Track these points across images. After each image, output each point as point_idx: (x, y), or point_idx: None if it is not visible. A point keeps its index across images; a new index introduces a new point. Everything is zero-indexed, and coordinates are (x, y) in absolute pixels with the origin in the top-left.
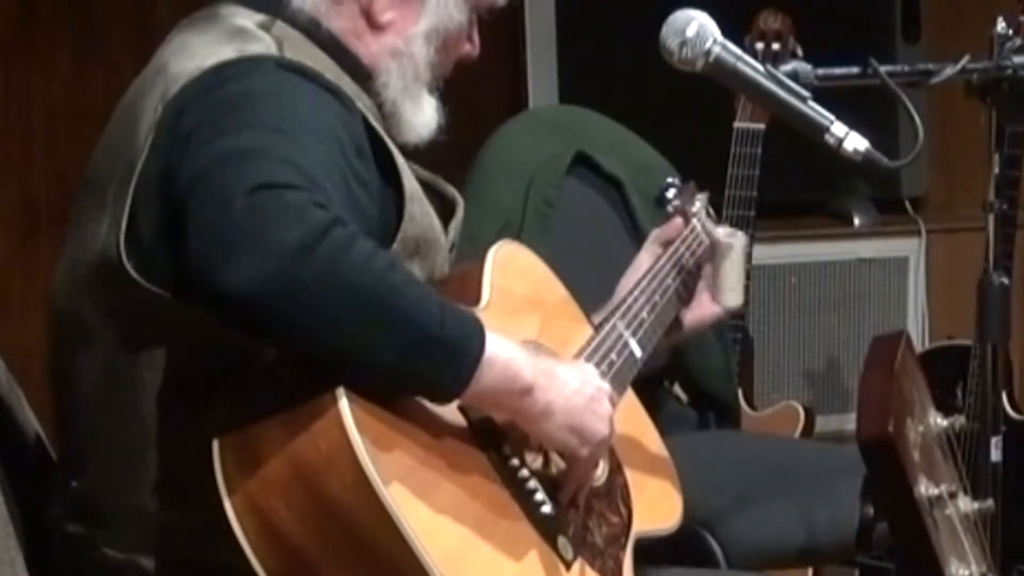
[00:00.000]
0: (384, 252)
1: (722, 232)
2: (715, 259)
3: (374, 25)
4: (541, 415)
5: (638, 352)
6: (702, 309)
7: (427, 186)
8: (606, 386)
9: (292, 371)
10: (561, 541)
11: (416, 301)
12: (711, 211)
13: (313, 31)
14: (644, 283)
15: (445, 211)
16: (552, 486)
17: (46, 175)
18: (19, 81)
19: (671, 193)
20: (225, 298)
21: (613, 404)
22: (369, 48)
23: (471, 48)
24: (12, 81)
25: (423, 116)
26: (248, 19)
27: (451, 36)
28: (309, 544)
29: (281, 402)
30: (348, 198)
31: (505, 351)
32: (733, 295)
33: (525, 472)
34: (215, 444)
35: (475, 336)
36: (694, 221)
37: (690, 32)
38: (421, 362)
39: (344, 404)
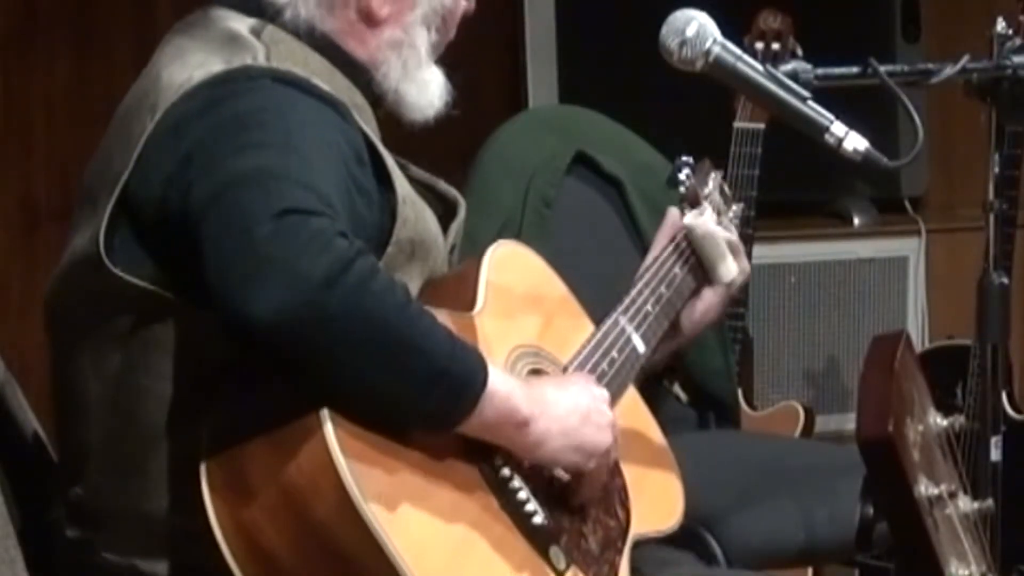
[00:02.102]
0: (400, 284)
1: (687, 218)
2: (693, 245)
3: (373, 22)
4: (536, 444)
5: (641, 347)
6: (706, 297)
7: (428, 188)
8: (602, 392)
9: (278, 391)
10: (553, 551)
11: (428, 335)
12: (726, 189)
13: (306, 34)
14: (648, 274)
15: (447, 213)
16: (546, 494)
17: (46, 175)
18: (19, 81)
19: (684, 173)
20: (248, 323)
21: (613, 404)
22: (367, 45)
23: (467, 4)
24: (12, 81)
25: (429, 94)
26: (240, 23)
27: (448, 11)
28: (296, 563)
29: (267, 423)
30: (352, 212)
31: (504, 386)
32: (724, 269)
33: (516, 483)
34: (202, 465)
35: (479, 371)
36: (705, 203)
37: (690, 32)
38: (428, 394)
39: (328, 425)
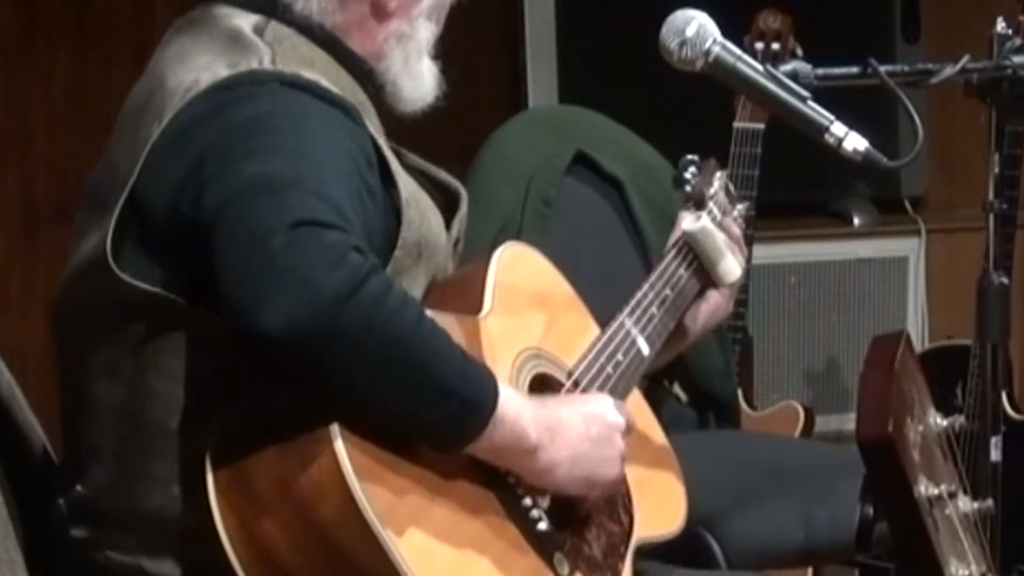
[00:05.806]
0: (413, 300)
1: (685, 223)
2: (695, 249)
3: (381, 14)
4: (544, 472)
5: (646, 350)
6: (712, 299)
7: (429, 179)
8: (618, 421)
9: (288, 397)
10: (557, 557)
11: (441, 353)
12: (731, 189)
13: (311, 30)
14: (654, 277)
15: (448, 204)
16: (550, 500)
17: (46, 175)
18: (19, 81)
19: (689, 172)
20: (258, 334)
21: (626, 433)
22: (372, 37)
23: None
24: (12, 81)
25: (423, 87)
26: (243, 19)
27: (447, 3)
28: (300, 568)
29: (276, 429)
30: (363, 217)
31: (514, 408)
32: (725, 270)
33: (521, 489)
34: (209, 467)
35: (490, 393)
36: (710, 204)
37: (690, 32)
38: (436, 414)
39: (339, 441)
